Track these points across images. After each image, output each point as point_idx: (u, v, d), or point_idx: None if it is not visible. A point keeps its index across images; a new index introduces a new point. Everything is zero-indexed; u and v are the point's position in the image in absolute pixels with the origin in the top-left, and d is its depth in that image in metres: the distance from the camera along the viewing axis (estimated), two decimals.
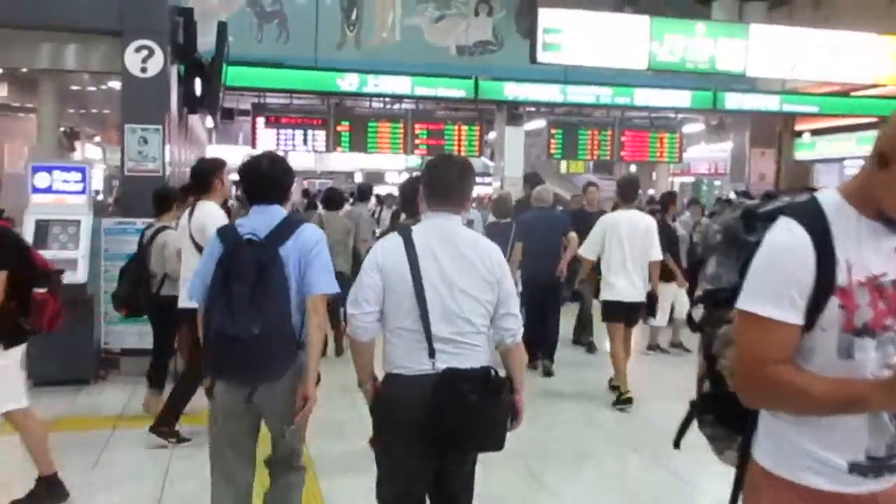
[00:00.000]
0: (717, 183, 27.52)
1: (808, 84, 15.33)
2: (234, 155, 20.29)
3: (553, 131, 16.39)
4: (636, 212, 7.47)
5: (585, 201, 10.63)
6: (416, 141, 15.80)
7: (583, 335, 9.90)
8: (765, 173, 17.87)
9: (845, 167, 17.70)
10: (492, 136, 18.54)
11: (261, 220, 3.55)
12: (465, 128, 15.94)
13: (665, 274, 8.09)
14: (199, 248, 5.24)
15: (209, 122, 18.64)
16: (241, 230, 3.50)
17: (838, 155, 17.48)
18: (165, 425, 5.91)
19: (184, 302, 5.44)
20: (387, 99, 16.47)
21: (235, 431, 3.61)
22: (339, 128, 15.40)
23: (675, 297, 9.35)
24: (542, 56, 12.78)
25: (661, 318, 9.14)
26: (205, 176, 5.63)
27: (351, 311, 3.18)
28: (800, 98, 14.75)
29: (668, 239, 8.61)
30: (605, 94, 14.11)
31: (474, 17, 15.36)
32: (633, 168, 31.65)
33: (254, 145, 15.49)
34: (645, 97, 14.54)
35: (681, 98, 14.62)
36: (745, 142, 17.93)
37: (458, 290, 3.10)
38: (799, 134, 17.94)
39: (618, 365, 7.26)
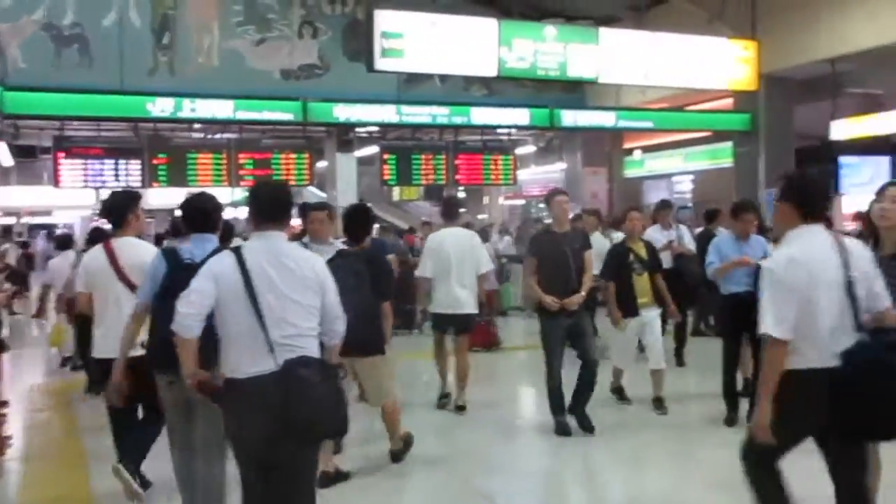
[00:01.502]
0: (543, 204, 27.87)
1: (651, 100, 15.52)
2: (34, 196, 18.50)
3: (386, 157, 15.70)
4: (460, 229, 7.86)
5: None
6: (241, 172, 14.72)
7: None
8: (597, 192, 18.03)
9: (674, 183, 18.17)
10: (321, 164, 17.73)
11: (199, 247, 4.21)
12: (293, 156, 15.03)
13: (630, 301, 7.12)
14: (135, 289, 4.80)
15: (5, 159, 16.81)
16: (183, 254, 4.22)
17: (666, 171, 17.91)
18: None
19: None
20: (208, 128, 15.43)
21: (179, 419, 4.34)
22: (154, 160, 14.09)
23: (640, 330, 7.26)
24: (380, 63, 11.32)
25: (620, 359, 7.51)
26: (119, 211, 5.14)
27: (180, 310, 3.47)
28: (634, 114, 14.79)
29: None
30: (441, 114, 13.42)
31: (298, 40, 14.47)
32: (462, 193, 32.22)
33: (57, 183, 13.94)
34: (483, 116, 14.05)
35: (518, 116, 14.26)
36: (578, 162, 18.03)
37: (284, 297, 3.46)
38: (629, 152, 18.24)
39: (441, 370, 7.87)
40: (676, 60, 13.35)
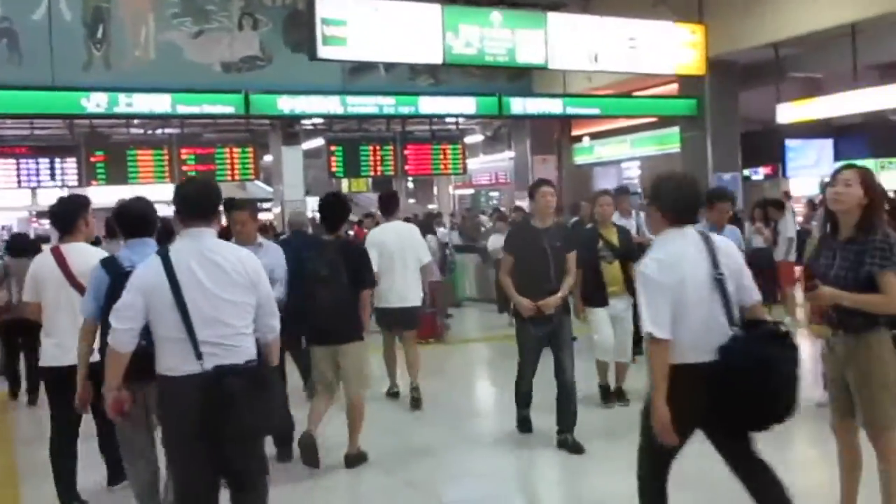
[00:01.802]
0: (495, 194, 27.88)
1: (598, 87, 15.45)
2: None
3: (333, 149, 15.51)
4: (400, 222, 7.72)
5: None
6: (184, 168, 14.38)
7: None
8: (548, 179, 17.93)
9: (623, 169, 18.20)
10: (267, 159, 17.39)
11: (137, 252, 4.06)
12: (237, 150, 14.74)
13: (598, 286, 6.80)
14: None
15: None
16: (123, 263, 4.09)
17: (615, 157, 17.92)
18: None
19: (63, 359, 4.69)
20: (148, 124, 15.00)
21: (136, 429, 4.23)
22: (92, 158, 13.68)
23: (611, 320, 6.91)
24: (323, 52, 10.80)
25: (600, 351, 6.96)
26: (69, 217, 4.95)
27: (115, 326, 3.46)
28: (582, 101, 14.68)
29: None
30: (387, 104, 13.10)
31: (238, 32, 14.08)
32: (410, 184, 31.99)
33: None
34: (430, 105, 13.79)
35: (466, 105, 14.05)
36: (527, 150, 17.96)
37: (215, 297, 3.43)
38: (578, 139, 18.21)
39: (389, 367, 7.75)
40: (624, 45, 13.24)
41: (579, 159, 18.35)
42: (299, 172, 15.37)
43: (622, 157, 17.88)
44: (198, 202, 3.58)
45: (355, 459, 5.70)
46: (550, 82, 15.69)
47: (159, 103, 10.63)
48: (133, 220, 4.30)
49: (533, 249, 5.85)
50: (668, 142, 16.02)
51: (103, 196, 22.07)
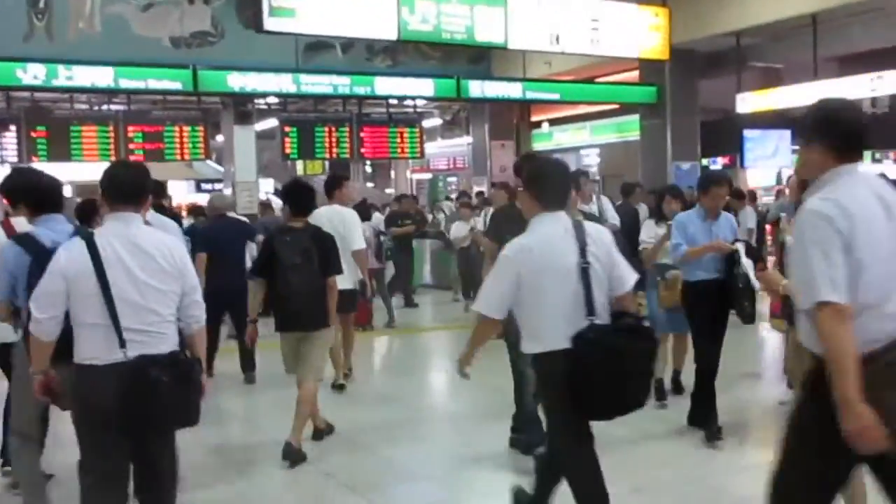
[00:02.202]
0: (452, 179, 27.63)
1: (557, 73, 15.21)
2: None
3: (287, 129, 15.08)
4: (338, 206, 7.40)
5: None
6: (131, 146, 13.85)
7: None
8: (505, 165, 17.70)
9: (582, 157, 18.03)
10: (220, 139, 16.90)
11: (55, 229, 3.97)
12: (186, 129, 14.24)
13: None
14: None
15: None
16: (42, 240, 3.90)
17: (574, 144, 17.75)
18: None
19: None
20: (93, 99, 14.44)
21: None
22: (33, 133, 13.09)
23: None
24: (269, 23, 10.20)
25: None
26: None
27: (35, 315, 3.35)
28: (541, 85, 14.42)
29: None
30: (342, 84, 12.64)
31: (189, 6, 13.54)
32: (369, 168, 31.58)
33: None
34: (386, 86, 13.33)
35: (423, 87, 13.65)
36: (485, 135, 17.70)
37: (142, 284, 3.34)
38: (537, 125, 18.00)
39: (333, 357, 7.27)
40: (587, 27, 12.94)
41: (538, 146, 18.12)
42: (252, 153, 14.91)
43: (581, 143, 17.72)
44: (129, 186, 3.48)
45: (296, 455, 5.41)
46: (510, 67, 15.43)
47: (102, 77, 10.07)
48: (44, 195, 4.16)
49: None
50: (628, 129, 15.89)
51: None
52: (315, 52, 14.63)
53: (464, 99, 14.11)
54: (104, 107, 14.15)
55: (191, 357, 3.55)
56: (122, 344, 3.28)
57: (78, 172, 20.39)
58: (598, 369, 3.39)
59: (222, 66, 11.54)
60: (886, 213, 2.68)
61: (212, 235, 7.90)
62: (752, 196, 10.67)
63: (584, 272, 3.47)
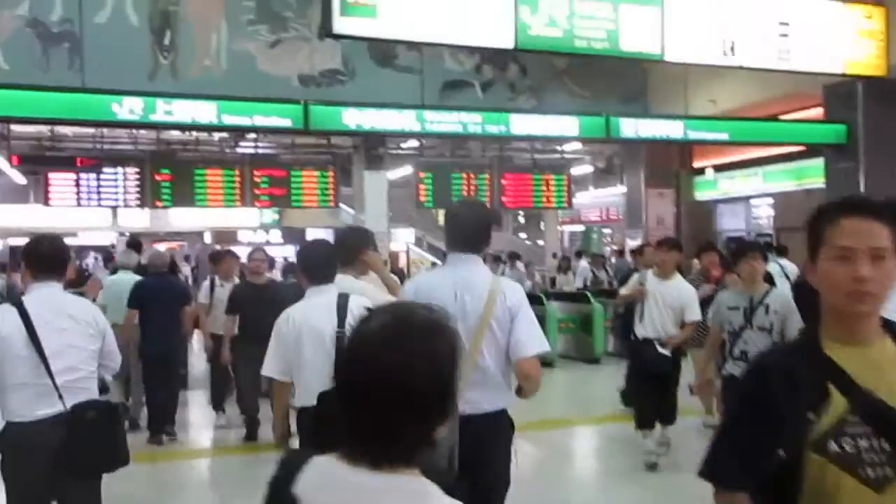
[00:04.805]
0: (607, 231, 25.99)
1: (723, 112, 13.23)
2: (47, 214, 17.15)
3: (421, 175, 14.06)
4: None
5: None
6: (257, 191, 13.14)
7: None
8: (663, 216, 15.90)
9: (752, 207, 15.90)
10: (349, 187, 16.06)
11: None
12: (314, 174, 13.41)
13: None
14: None
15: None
16: None
17: (743, 193, 15.66)
18: None
19: None
20: (223, 142, 13.90)
21: None
22: (157, 177, 12.57)
23: None
24: (340, 25, 7.86)
25: None
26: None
27: None
28: (706, 124, 12.33)
29: None
30: (473, 122, 11.15)
31: (319, 42, 12.73)
32: (521, 219, 30.27)
33: (46, 201, 12.51)
34: (524, 125, 11.58)
35: (568, 126, 11.87)
36: (640, 183, 15.94)
37: (70, 345, 3.70)
38: (699, 171, 16.04)
39: None
40: (773, 32, 9.89)
41: (701, 194, 16.15)
42: (383, 200, 13.85)
43: (752, 192, 15.55)
44: (50, 259, 3.83)
45: None
46: (668, 107, 13.67)
47: (204, 112, 9.16)
48: (41, 260, 4.11)
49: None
50: (808, 175, 13.67)
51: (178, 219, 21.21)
52: (452, 90, 13.56)
53: (615, 140, 12.35)
54: (229, 150, 13.60)
55: (114, 403, 4.07)
56: (60, 397, 3.58)
57: (210, 218, 20.32)
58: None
59: (336, 102, 10.43)
60: None
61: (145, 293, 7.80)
62: None
63: (340, 339, 3.73)
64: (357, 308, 3.74)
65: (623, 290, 7.27)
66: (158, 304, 7.72)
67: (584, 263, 16.79)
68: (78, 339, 3.70)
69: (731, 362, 5.33)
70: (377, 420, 1.38)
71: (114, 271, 9.17)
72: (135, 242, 9.71)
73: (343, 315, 3.78)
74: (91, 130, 12.15)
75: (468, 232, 3.65)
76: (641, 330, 6.55)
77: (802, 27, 9.98)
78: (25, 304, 3.66)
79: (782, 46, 9.91)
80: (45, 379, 3.55)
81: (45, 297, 3.73)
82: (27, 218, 19.30)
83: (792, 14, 9.88)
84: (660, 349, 6.33)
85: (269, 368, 3.90)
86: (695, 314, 6.46)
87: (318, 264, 4.04)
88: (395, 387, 1.36)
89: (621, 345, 10.37)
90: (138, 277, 8.15)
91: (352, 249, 4.34)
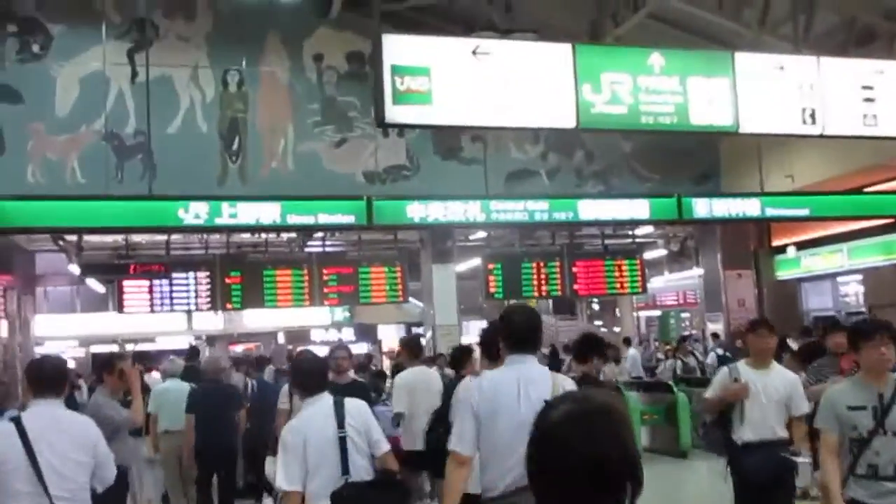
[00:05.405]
0: (685, 315, 25.21)
1: (802, 187, 12.64)
2: (125, 322, 17.40)
3: (490, 267, 13.79)
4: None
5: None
6: (325, 290, 13.08)
7: None
8: (744, 298, 15.26)
9: (840, 284, 15.17)
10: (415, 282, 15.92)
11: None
12: (382, 270, 13.30)
13: None
14: None
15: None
16: None
17: (828, 270, 14.97)
18: None
19: None
20: (291, 241, 13.98)
21: None
22: (227, 279, 12.63)
23: None
24: (393, 113, 7.33)
25: None
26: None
27: None
28: (785, 200, 11.83)
29: None
30: (540, 210, 10.95)
31: (383, 139, 12.83)
32: (596, 306, 29.70)
33: (121, 308, 12.66)
34: (592, 210, 11.40)
35: (638, 209, 11.60)
36: (718, 264, 15.40)
37: (66, 458, 4.00)
38: (780, 249, 15.44)
39: None
40: (856, 96, 8.88)
41: (783, 273, 15.52)
42: (452, 293, 13.67)
43: (838, 269, 14.86)
44: (51, 379, 4.19)
45: None
46: (743, 185, 13.27)
47: (268, 213, 9.17)
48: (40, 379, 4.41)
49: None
50: None
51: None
52: (518, 180, 13.50)
53: (687, 221, 11.93)
54: (297, 249, 13.67)
55: None
56: None
57: (283, 318, 20.36)
58: None
59: (399, 196, 10.35)
60: None
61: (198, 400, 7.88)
62: None
63: (342, 441, 4.13)
64: (352, 408, 4.28)
65: (709, 393, 5.84)
66: (212, 409, 7.75)
67: (632, 351, 16.21)
68: (71, 453, 4.00)
69: (853, 482, 4.13)
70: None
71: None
72: (193, 351, 9.71)
73: (341, 418, 4.19)
74: (163, 237, 12.34)
75: (522, 336, 4.00)
76: (744, 433, 5.37)
77: (887, 89, 9.09)
78: (24, 419, 4.00)
79: (868, 111, 9.17)
80: (41, 493, 3.85)
81: (44, 413, 4.07)
82: (107, 326, 19.63)
83: (875, 75, 9.06)
84: (794, 458, 5.09)
85: (282, 481, 4.12)
86: (803, 407, 5.36)
87: (309, 377, 4.41)
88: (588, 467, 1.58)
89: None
90: (186, 385, 8.18)
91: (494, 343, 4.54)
